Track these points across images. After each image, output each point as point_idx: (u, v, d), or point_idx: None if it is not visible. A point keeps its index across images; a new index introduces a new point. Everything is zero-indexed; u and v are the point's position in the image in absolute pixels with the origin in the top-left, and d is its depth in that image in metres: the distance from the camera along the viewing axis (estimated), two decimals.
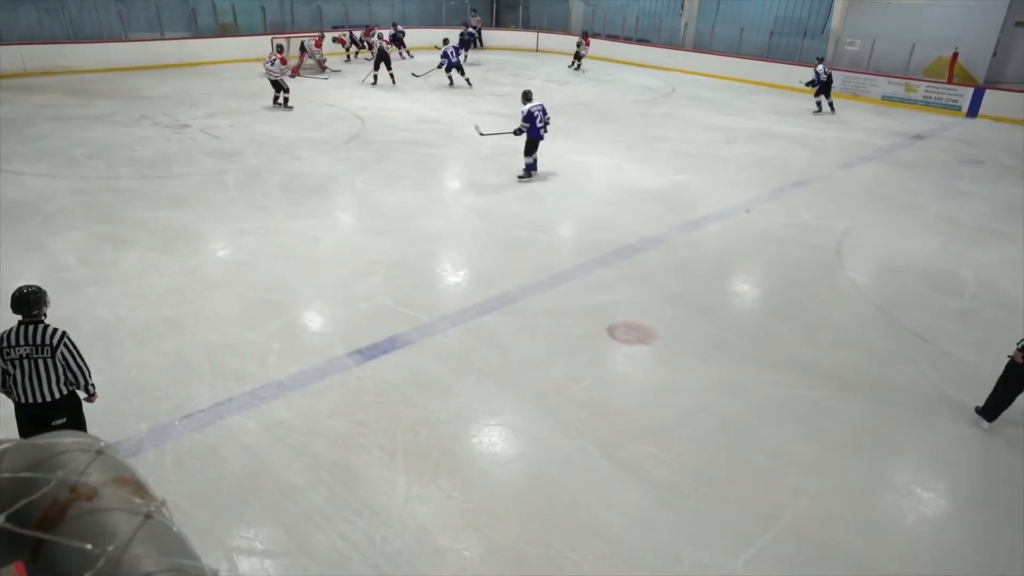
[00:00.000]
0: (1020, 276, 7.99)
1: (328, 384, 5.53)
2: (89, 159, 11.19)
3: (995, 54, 18.55)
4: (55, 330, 3.99)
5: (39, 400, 3.99)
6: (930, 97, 18.09)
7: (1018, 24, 18.29)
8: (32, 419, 4.04)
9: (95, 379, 4.54)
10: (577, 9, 27.43)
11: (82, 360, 4.12)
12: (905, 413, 5.46)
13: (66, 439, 0.50)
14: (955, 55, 18.18)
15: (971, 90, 17.53)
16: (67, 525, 0.43)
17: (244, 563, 3.90)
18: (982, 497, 4.64)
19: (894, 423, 5.35)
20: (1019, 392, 5.13)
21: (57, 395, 4.04)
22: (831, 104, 17.01)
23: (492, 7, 29.04)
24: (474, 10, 26.73)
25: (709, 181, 11.24)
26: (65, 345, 4.00)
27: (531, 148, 10.42)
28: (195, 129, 13.08)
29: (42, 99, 15.45)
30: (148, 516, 0.44)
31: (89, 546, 0.40)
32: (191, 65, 19.81)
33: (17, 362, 3.91)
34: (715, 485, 4.60)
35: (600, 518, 4.28)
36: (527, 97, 10.26)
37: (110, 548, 0.40)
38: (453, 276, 7.72)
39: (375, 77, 18.24)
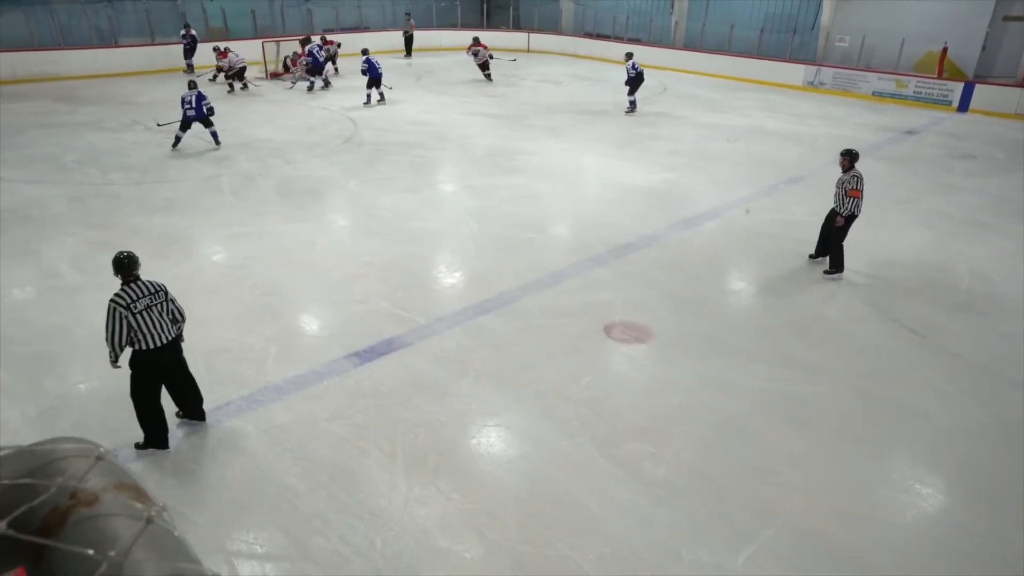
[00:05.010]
0: (1012, 270, 8.02)
1: (326, 387, 5.52)
2: (81, 165, 11.14)
3: (984, 48, 18.64)
4: (156, 281, 4.63)
5: (163, 344, 4.52)
6: (920, 92, 18.16)
7: (1006, 18, 18.38)
8: (162, 362, 4.58)
9: (92, 384, 4.50)
10: (568, 9, 27.45)
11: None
12: (898, 407, 5.48)
13: (65, 445, 0.50)
14: (944, 50, 18.25)
15: (961, 85, 17.60)
16: (68, 531, 0.43)
17: (244, 567, 3.89)
18: (977, 491, 4.66)
19: (888, 418, 5.37)
20: (845, 236, 7.56)
21: (174, 335, 4.65)
22: (632, 102, 15.86)
23: (482, 7, 29.02)
24: (408, 13, 25.02)
25: (702, 179, 11.26)
26: (168, 290, 4.66)
27: (183, 126, 11.99)
28: (187, 134, 13.02)
29: (32, 106, 15.37)
30: (149, 521, 0.43)
31: (91, 551, 0.40)
32: (182, 70, 19.70)
33: (143, 313, 4.42)
34: (713, 482, 4.61)
35: (599, 517, 4.28)
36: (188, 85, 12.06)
37: (112, 553, 0.40)
38: (449, 277, 7.72)
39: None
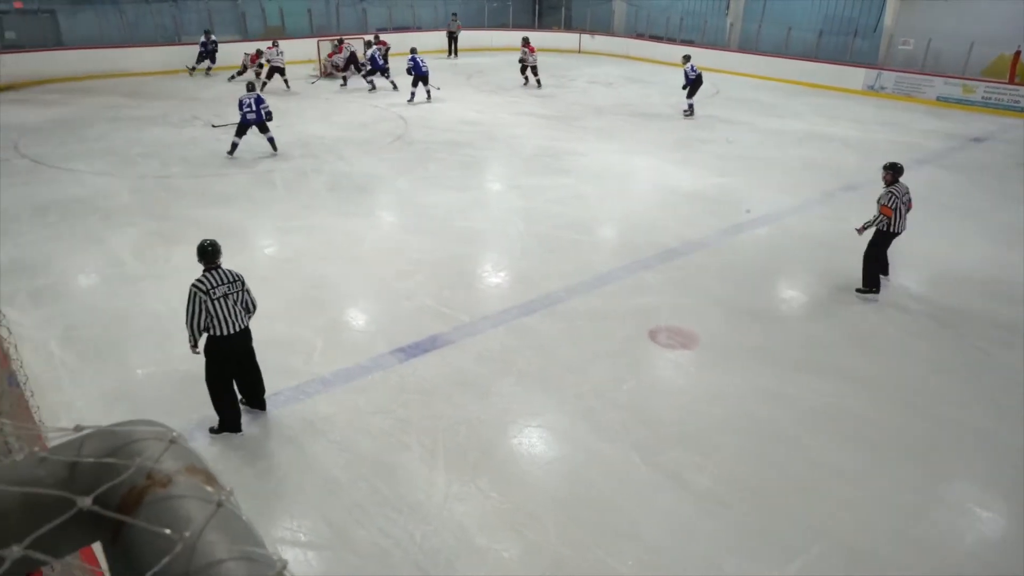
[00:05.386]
0: None
1: (371, 381, 5.60)
2: (144, 158, 11.57)
3: None
4: (235, 271, 4.78)
5: (234, 332, 4.67)
6: (989, 98, 17.41)
7: None
8: (233, 349, 4.74)
9: (149, 370, 4.63)
10: (620, 9, 27.24)
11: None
12: (960, 427, 5.26)
13: (141, 427, 0.52)
14: (1018, 53, 17.45)
15: None
16: (144, 510, 0.45)
17: (287, 554, 3.97)
18: None
19: (948, 437, 5.16)
20: (877, 254, 7.16)
21: (245, 325, 4.79)
22: (690, 106, 15.67)
23: (534, 8, 29.04)
24: (454, 14, 24.94)
25: (755, 184, 11.03)
26: (245, 281, 4.80)
27: (240, 131, 11.62)
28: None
29: (101, 101, 16.05)
30: (219, 505, 0.45)
31: (168, 531, 0.42)
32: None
33: (220, 300, 4.60)
34: (758, 495, 4.51)
35: (639, 524, 4.24)
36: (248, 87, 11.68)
37: (187, 534, 0.41)
38: (494, 276, 7.75)
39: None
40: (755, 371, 5.91)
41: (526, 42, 19.07)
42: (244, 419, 5.05)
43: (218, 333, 4.64)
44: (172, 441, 0.49)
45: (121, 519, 0.44)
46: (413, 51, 16.59)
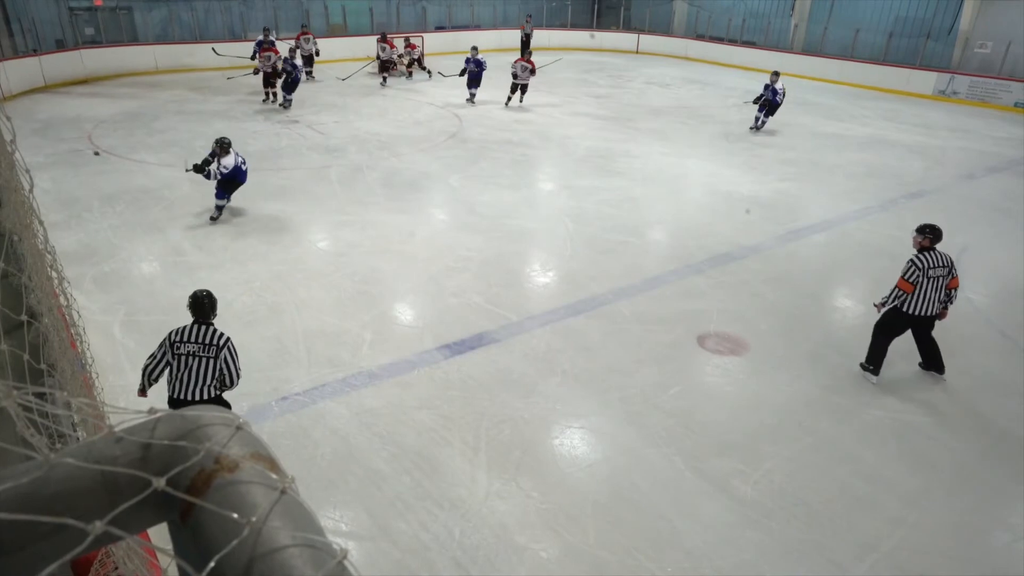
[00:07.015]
0: None
1: (416, 376, 5.67)
2: (207, 151, 11.94)
3: None
4: (221, 334, 4.20)
5: (188, 399, 4.10)
6: None
7: None
8: None
9: None
10: (681, 10, 26.85)
11: (238, 367, 4.26)
12: None
13: (210, 413, 0.55)
14: None
15: None
16: (212, 493, 0.47)
17: None
18: None
19: (1012, 459, 4.92)
20: (891, 331, 5.69)
21: (206, 396, 4.14)
22: (763, 121, 14.28)
23: (593, 7, 28.89)
24: (529, 15, 24.79)
25: (814, 190, 10.74)
26: (228, 349, 4.18)
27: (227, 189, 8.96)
28: (303, 125, 13.74)
29: (169, 95, 16.67)
30: (283, 492, 0.47)
31: (235, 515, 0.44)
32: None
33: (183, 358, 4.09)
34: (806, 507, 4.40)
35: (681, 531, 4.18)
36: (223, 148, 8.73)
37: (253, 519, 0.43)
38: (543, 276, 7.74)
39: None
40: (807, 381, 5.75)
41: (528, 57, 16.21)
42: (287, 408, 5.18)
43: (172, 394, 4.10)
44: (239, 427, 0.52)
45: (192, 501, 0.46)
46: (473, 50, 16.69)
